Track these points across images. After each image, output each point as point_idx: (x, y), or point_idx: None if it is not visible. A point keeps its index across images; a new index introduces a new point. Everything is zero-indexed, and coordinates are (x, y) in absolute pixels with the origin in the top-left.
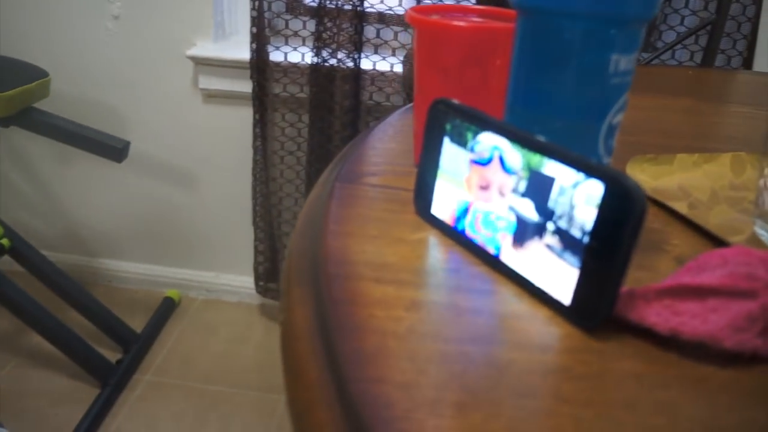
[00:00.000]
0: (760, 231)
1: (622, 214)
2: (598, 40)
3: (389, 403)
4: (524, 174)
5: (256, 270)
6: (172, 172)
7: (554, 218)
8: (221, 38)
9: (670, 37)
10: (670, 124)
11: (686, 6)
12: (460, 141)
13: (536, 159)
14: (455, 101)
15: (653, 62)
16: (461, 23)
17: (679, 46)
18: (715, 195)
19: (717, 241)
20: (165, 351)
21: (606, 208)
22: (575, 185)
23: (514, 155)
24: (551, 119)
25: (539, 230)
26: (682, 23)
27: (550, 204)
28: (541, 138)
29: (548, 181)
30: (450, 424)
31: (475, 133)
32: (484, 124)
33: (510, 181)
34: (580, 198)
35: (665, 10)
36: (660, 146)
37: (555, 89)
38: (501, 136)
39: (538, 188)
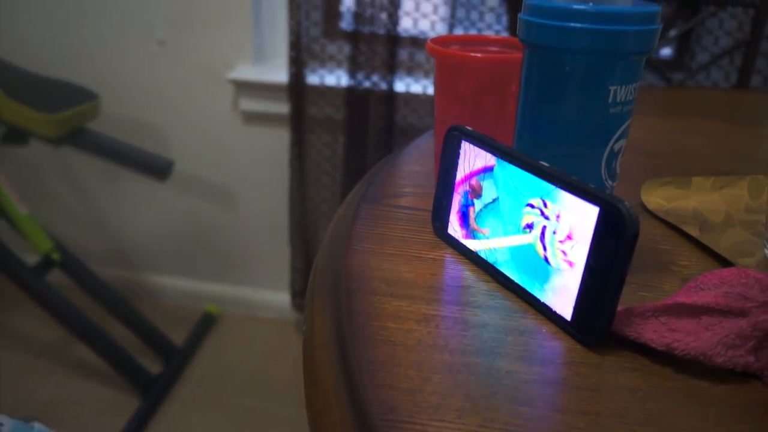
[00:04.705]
0: None
1: (616, 236)
2: (597, 73)
3: (395, 407)
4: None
5: (292, 286)
6: (212, 191)
7: (556, 240)
8: (260, 62)
9: (704, 57)
10: (694, 146)
11: (720, 27)
12: (474, 166)
13: (539, 184)
14: (468, 128)
15: (687, 83)
16: (477, 54)
17: (713, 66)
18: (730, 218)
19: (727, 263)
20: (204, 364)
21: (601, 230)
22: (574, 210)
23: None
24: (555, 145)
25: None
26: (716, 44)
27: (551, 226)
28: (544, 164)
29: (550, 206)
30: (449, 428)
31: (485, 163)
32: (493, 150)
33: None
34: (579, 221)
35: (699, 31)
36: (680, 169)
37: (558, 118)
38: (506, 161)
39: (541, 212)
